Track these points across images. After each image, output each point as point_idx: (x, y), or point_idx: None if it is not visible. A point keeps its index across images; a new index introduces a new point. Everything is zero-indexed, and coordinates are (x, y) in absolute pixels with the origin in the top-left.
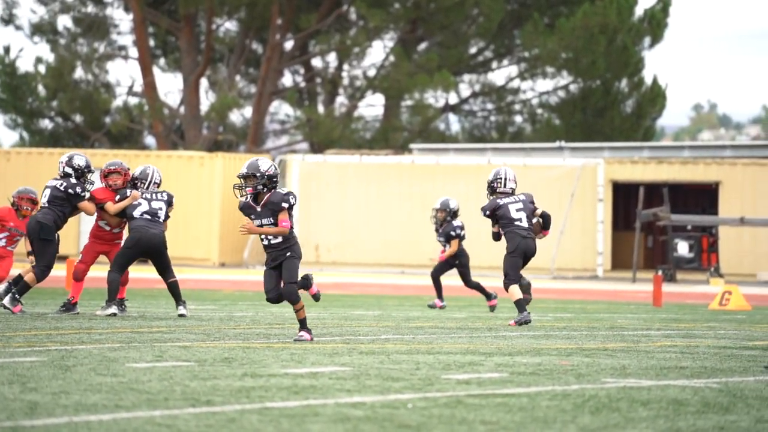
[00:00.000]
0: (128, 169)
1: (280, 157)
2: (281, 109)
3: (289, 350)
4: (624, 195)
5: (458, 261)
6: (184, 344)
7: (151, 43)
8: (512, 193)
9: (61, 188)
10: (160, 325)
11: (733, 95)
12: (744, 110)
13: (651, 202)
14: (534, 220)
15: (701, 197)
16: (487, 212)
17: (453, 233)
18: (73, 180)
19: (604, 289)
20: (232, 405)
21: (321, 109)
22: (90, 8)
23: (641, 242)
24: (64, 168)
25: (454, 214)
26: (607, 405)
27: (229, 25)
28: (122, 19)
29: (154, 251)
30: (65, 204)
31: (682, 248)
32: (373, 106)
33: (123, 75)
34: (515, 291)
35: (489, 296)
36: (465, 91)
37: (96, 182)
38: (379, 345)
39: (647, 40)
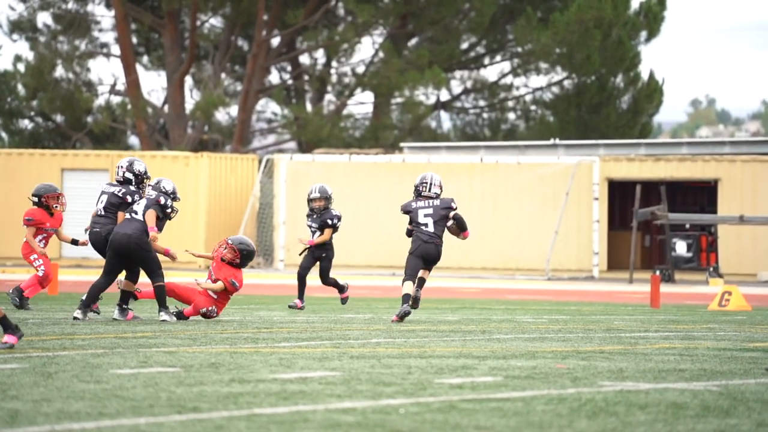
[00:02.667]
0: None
1: (267, 157)
2: (268, 107)
3: (277, 355)
4: (620, 193)
5: (325, 255)
6: (170, 349)
7: (134, 40)
8: (435, 198)
9: (119, 194)
10: (145, 330)
11: (732, 90)
12: (743, 105)
13: (648, 201)
14: (449, 223)
15: (700, 195)
16: (402, 211)
17: (330, 221)
18: (132, 187)
19: (600, 290)
20: (219, 411)
21: (309, 107)
22: (70, 5)
23: (638, 242)
24: (124, 173)
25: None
26: (604, 409)
27: (214, 22)
28: (104, 16)
29: (124, 251)
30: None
31: (681, 248)
32: (362, 103)
33: (105, 73)
34: (405, 287)
35: (342, 289)
36: (457, 87)
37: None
38: (369, 349)
39: (643, 35)
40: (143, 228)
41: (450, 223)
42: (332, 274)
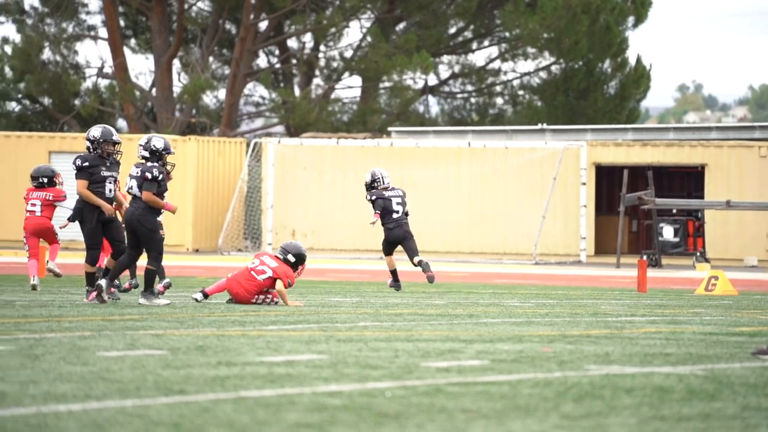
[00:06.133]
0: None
1: (255, 141)
2: (256, 91)
3: (264, 338)
4: (608, 178)
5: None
6: (157, 332)
7: (122, 23)
8: (393, 189)
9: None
10: (132, 313)
11: (719, 76)
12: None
13: (635, 186)
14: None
15: (687, 180)
16: (374, 197)
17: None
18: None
19: (587, 275)
20: (206, 394)
21: (297, 91)
22: None
23: (625, 226)
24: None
25: None
26: (590, 393)
27: (202, 5)
28: None
29: (130, 228)
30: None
31: (668, 232)
32: (350, 88)
33: (93, 56)
34: (389, 261)
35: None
36: (444, 72)
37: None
38: (357, 332)
39: (631, 20)
40: (145, 206)
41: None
42: (322, 256)
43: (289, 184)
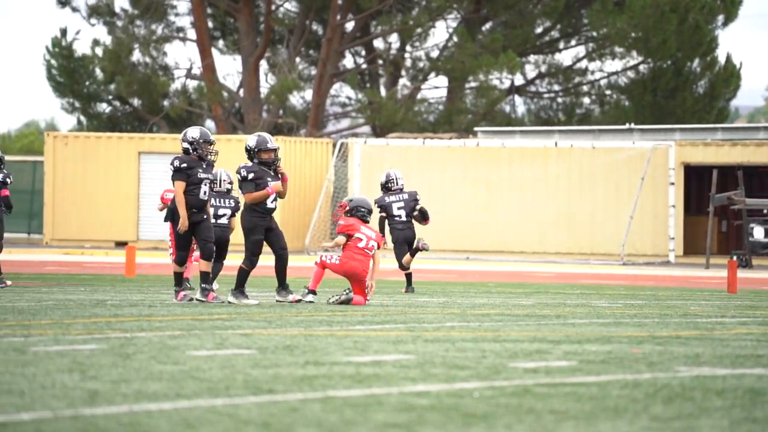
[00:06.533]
0: (348, 201)
1: (342, 141)
2: (342, 91)
3: (352, 338)
4: (696, 178)
5: None
6: (246, 332)
7: (210, 24)
8: (401, 191)
9: (171, 165)
10: (221, 312)
11: None
12: None
13: (725, 186)
14: (414, 214)
15: None
16: (377, 206)
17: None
18: (187, 155)
19: (676, 275)
20: (294, 393)
21: (383, 91)
22: None
23: (715, 227)
24: (182, 144)
25: None
26: (681, 394)
27: (289, 6)
28: (180, 0)
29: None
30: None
31: (758, 233)
32: (436, 88)
33: (181, 57)
34: (405, 260)
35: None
36: (531, 72)
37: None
38: (444, 332)
39: (720, 18)
40: (246, 205)
41: (415, 214)
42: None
43: (375, 185)
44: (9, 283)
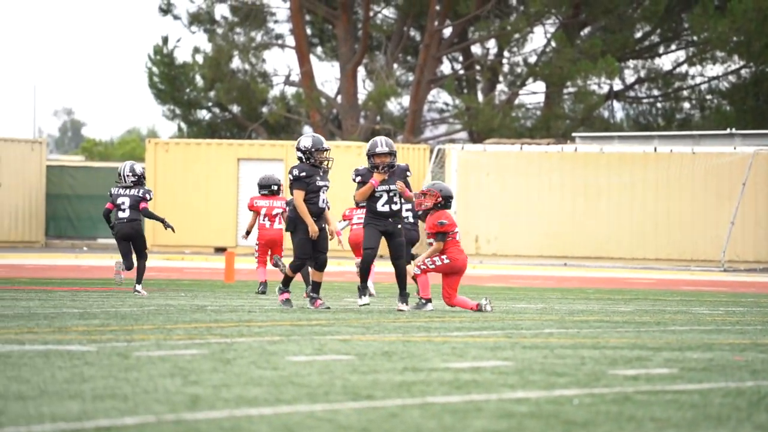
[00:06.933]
0: (439, 191)
1: (439, 147)
2: (440, 97)
3: (449, 344)
4: None
5: None
6: (344, 337)
7: (308, 31)
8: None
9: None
10: (320, 318)
11: None
12: None
13: None
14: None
15: None
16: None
17: None
18: (301, 164)
19: None
20: (393, 399)
21: (480, 97)
22: None
23: None
24: (296, 154)
25: None
26: None
27: (387, 12)
28: (279, 8)
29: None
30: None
31: None
32: (534, 93)
33: (280, 64)
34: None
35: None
36: (630, 77)
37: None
38: (542, 339)
39: None
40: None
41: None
42: (505, 262)
43: (473, 190)
44: (145, 293)
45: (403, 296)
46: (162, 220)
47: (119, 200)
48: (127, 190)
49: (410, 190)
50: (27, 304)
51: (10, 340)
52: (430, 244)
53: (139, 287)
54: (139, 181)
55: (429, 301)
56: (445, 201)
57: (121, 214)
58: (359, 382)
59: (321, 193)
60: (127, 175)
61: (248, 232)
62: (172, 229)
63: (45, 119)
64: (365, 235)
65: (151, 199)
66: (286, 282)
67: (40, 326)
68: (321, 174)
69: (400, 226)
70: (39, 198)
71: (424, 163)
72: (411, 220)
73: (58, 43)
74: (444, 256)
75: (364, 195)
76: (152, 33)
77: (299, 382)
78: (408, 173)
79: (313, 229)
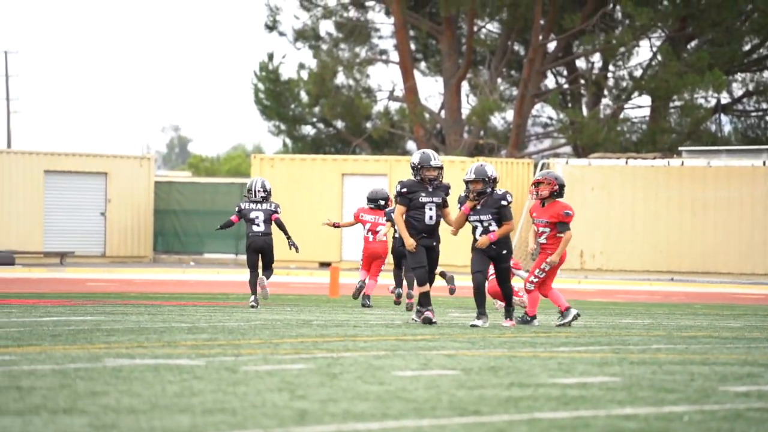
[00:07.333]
0: (555, 178)
1: (543, 161)
2: (544, 111)
3: (556, 359)
4: None
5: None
6: (449, 353)
7: (412, 46)
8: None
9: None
10: (425, 333)
11: None
12: None
13: None
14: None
15: None
16: (386, 220)
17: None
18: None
19: None
20: (500, 415)
21: (585, 111)
22: (352, 13)
23: None
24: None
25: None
26: None
27: (491, 27)
28: (383, 23)
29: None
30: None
31: None
32: (639, 107)
33: (384, 79)
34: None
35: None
36: (738, 90)
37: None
38: (650, 355)
39: None
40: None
41: None
42: (611, 277)
43: (577, 205)
44: (257, 305)
45: (508, 311)
46: (288, 237)
47: (252, 214)
48: (259, 205)
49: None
50: (137, 318)
51: (121, 354)
52: (541, 233)
53: (253, 298)
54: (268, 196)
55: (534, 317)
56: (560, 189)
57: (255, 228)
58: (466, 398)
59: (427, 209)
60: (258, 191)
61: (336, 225)
62: (296, 249)
63: (153, 136)
64: (474, 259)
65: (281, 213)
66: (423, 300)
67: (149, 340)
68: (430, 190)
69: (505, 251)
70: (147, 213)
71: (528, 177)
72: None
73: (165, 61)
74: (548, 261)
75: (460, 223)
76: (258, 50)
77: (406, 397)
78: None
79: (408, 242)
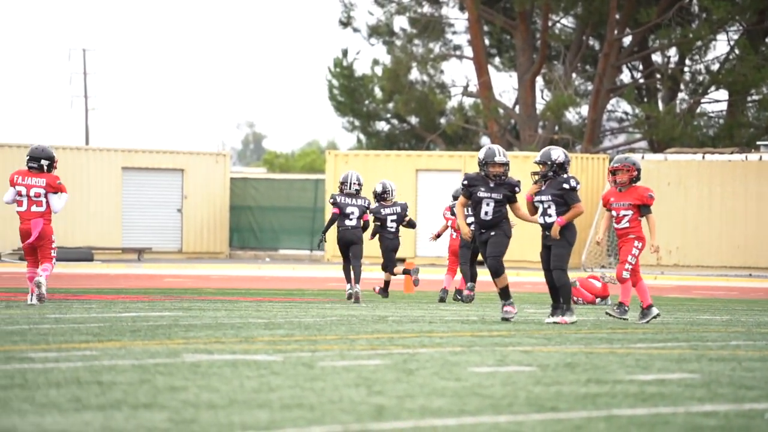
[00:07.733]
0: (633, 164)
1: (618, 156)
2: (619, 106)
3: (633, 356)
4: None
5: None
6: (525, 348)
7: (486, 41)
8: (394, 204)
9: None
10: (500, 328)
11: None
12: None
13: None
14: (403, 224)
15: None
16: (373, 214)
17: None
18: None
19: None
20: (578, 412)
21: (661, 106)
22: (426, 8)
23: None
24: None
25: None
26: None
27: (566, 22)
28: (457, 19)
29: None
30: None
31: None
32: (716, 101)
33: (458, 75)
34: (397, 270)
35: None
36: None
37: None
38: (729, 351)
39: None
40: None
41: (403, 224)
42: (688, 273)
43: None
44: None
45: (557, 307)
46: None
47: (348, 209)
48: (354, 200)
49: (413, 227)
50: (214, 314)
51: (200, 349)
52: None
53: (357, 287)
54: (361, 189)
55: (651, 306)
56: (638, 174)
57: (348, 222)
58: (543, 394)
59: (484, 204)
60: (354, 183)
61: (438, 235)
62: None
63: (228, 132)
64: (555, 256)
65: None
66: (503, 294)
67: (227, 336)
68: (491, 185)
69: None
70: (223, 210)
71: (603, 172)
72: (393, 228)
73: (240, 58)
74: (638, 243)
75: (531, 210)
76: (332, 46)
77: (482, 393)
78: (407, 211)
79: (464, 230)
